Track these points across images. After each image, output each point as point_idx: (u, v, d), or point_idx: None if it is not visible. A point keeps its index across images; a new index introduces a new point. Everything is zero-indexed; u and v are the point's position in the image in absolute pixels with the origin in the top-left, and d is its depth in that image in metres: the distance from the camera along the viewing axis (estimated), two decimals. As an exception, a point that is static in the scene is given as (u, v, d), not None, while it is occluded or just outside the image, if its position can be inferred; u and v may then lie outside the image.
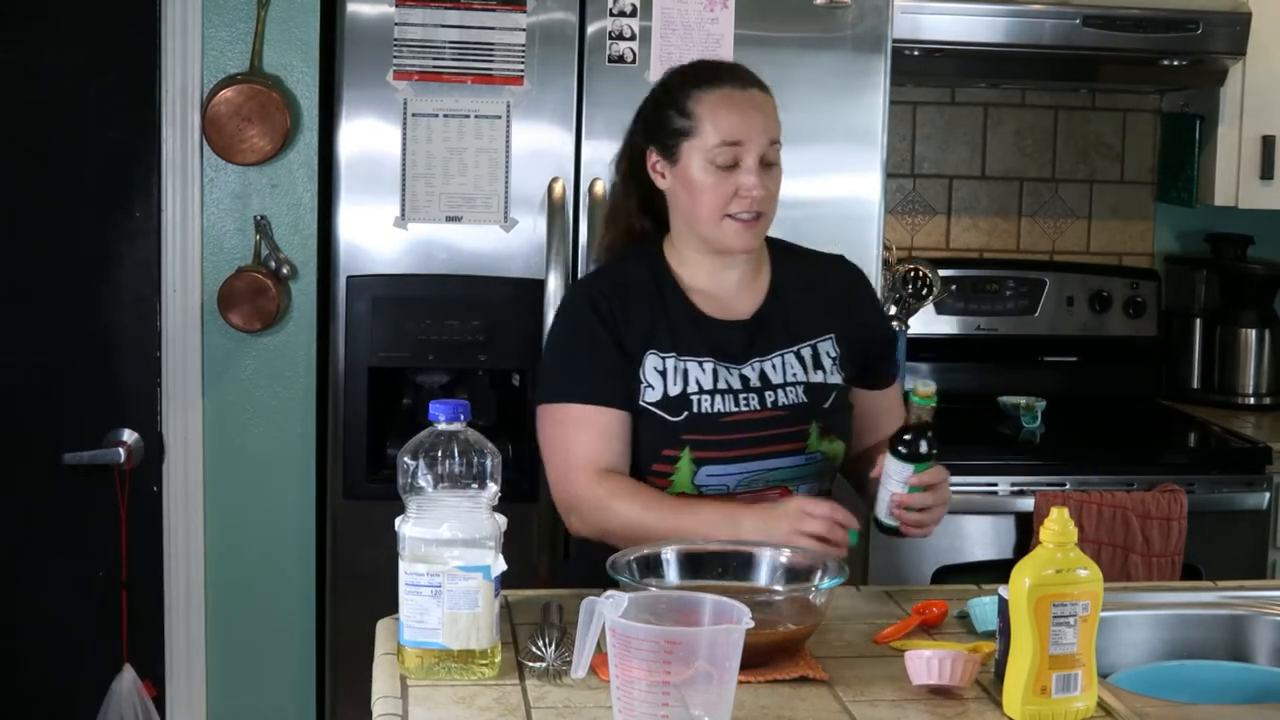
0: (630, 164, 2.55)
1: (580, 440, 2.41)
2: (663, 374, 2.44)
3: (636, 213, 2.56)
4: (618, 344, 2.44)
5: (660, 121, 2.46)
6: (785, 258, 2.57)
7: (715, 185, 2.41)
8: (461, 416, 1.97)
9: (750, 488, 2.42)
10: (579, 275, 3.17)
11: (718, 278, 2.50)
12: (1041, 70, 3.87)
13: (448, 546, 1.94)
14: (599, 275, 2.57)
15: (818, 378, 2.49)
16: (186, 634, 3.34)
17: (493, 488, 1.96)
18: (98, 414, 3.31)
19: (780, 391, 2.46)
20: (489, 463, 1.97)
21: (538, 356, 3.13)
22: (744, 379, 2.45)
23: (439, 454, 1.95)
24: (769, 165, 2.43)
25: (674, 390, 2.43)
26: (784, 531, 2.26)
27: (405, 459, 1.96)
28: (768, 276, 2.54)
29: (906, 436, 2.29)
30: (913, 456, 2.29)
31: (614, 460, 2.41)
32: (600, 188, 3.14)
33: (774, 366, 2.47)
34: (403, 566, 1.95)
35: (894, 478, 2.31)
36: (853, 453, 2.56)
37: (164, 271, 3.27)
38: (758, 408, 2.44)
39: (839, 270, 2.64)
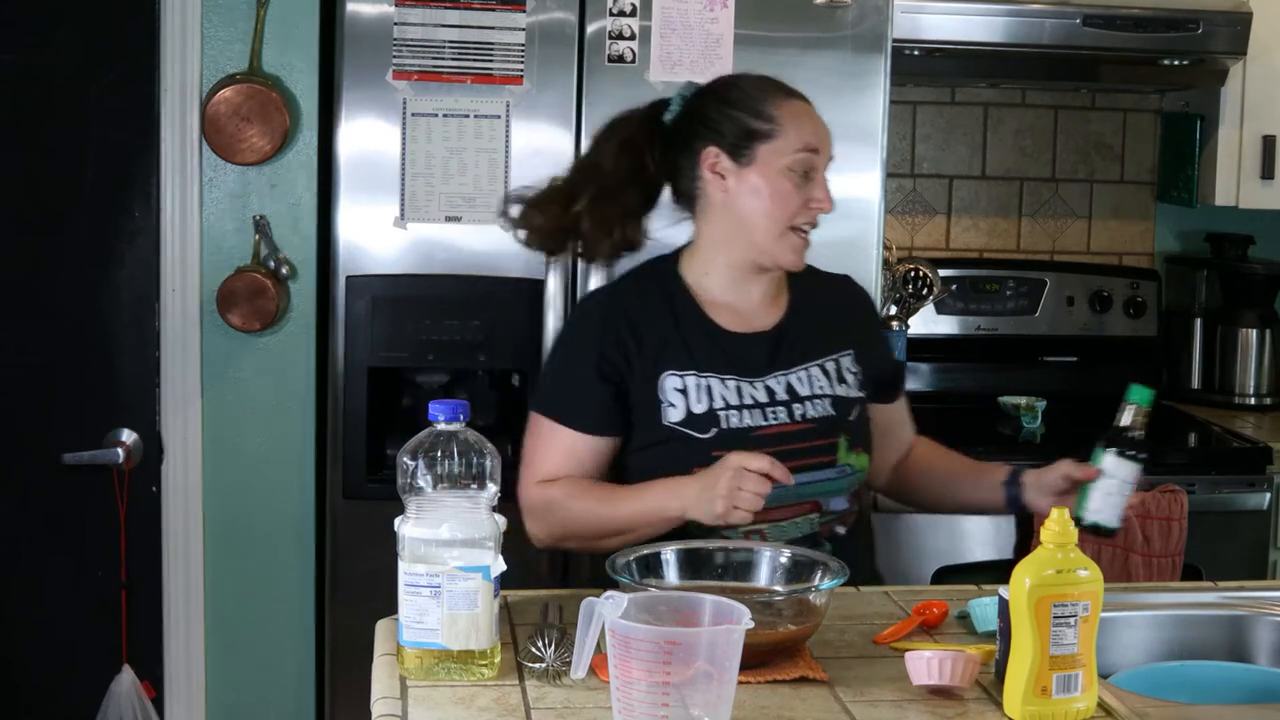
0: (637, 157, 2.51)
1: (545, 454, 2.44)
2: (684, 392, 2.43)
3: (638, 205, 2.52)
4: (618, 371, 2.43)
5: (730, 121, 2.44)
6: (801, 275, 2.55)
7: (790, 193, 2.41)
8: (461, 417, 1.97)
9: (783, 502, 2.39)
10: (578, 275, 3.16)
11: (743, 291, 2.50)
12: (1041, 70, 3.87)
13: (447, 547, 1.93)
14: (613, 293, 2.55)
15: (842, 390, 2.50)
16: (186, 634, 3.34)
17: (492, 488, 1.96)
18: (97, 414, 3.31)
19: (808, 404, 2.46)
20: (488, 463, 1.96)
21: (537, 356, 3.14)
22: (769, 391, 2.45)
23: (438, 454, 1.95)
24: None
25: (699, 408, 2.42)
26: (724, 486, 2.22)
27: (405, 459, 1.96)
28: (787, 292, 2.54)
29: (1133, 436, 2.33)
30: (1139, 456, 2.35)
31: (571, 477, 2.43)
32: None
33: (800, 379, 2.47)
34: (402, 567, 1.95)
35: (1125, 479, 2.35)
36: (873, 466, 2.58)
37: (163, 271, 3.27)
38: (786, 421, 2.44)
39: (850, 289, 2.68)
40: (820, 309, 2.55)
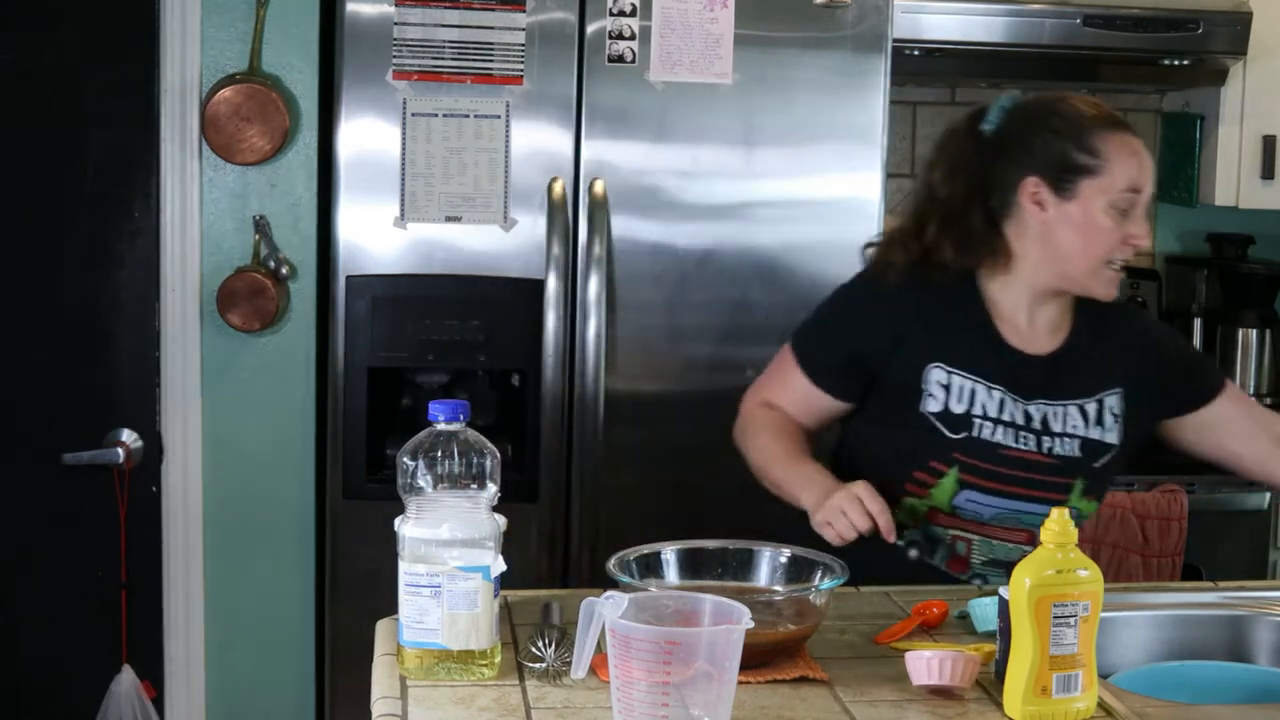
0: (977, 179, 2.49)
1: (775, 380, 2.58)
2: (946, 388, 2.44)
3: (983, 223, 2.48)
4: (878, 350, 2.47)
5: (1055, 152, 2.42)
6: (1088, 303, 2.52)
7: (1111, 230, 2.39)
8: (461, 417, 1.97)
9: (1002, 524, 2.43)
10: (578, 275, 3.16)
11: (1035, 312, 2.49)
12: (1042, 70, 3.86)
13: (447, 547, 1.93)
14: (913, 266, 2.49)
15: (1095, 434, 2.48)
16: (186, 634, 3.34)
17: (492, 488, 1.96)
18: (97, 414, 3.31)
19: (1058, 440, 2.45)
20: (488, 463, 1.96)
21: (538, 356, 3.14)
22: (1027, 416, 2.45)
23: (438, 454, 1.95)
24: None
25: (957, 408, 2.43)
26: (834, 503, 2.30)
27: (404, 459, 1.96)
28: (1070, 320, 2.52)
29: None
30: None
31: (785, 409, 2.55)
32: (600, 187, 3.14)
33: (1055, 414, 2.46)
34: (402, 567, 1.95)
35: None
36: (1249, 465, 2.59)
37: (163, 271, 3.27)
38: (1034, 449, 2.44)
39: (1132, 318, 2.65)
40: (1099, 342, 2.52)
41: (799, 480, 2.42)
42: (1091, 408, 2.48)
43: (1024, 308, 2.48)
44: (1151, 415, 2.55)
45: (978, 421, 2.43)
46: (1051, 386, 2.46)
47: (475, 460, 1.96)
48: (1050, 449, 2.45)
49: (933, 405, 2.44)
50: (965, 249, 2.47)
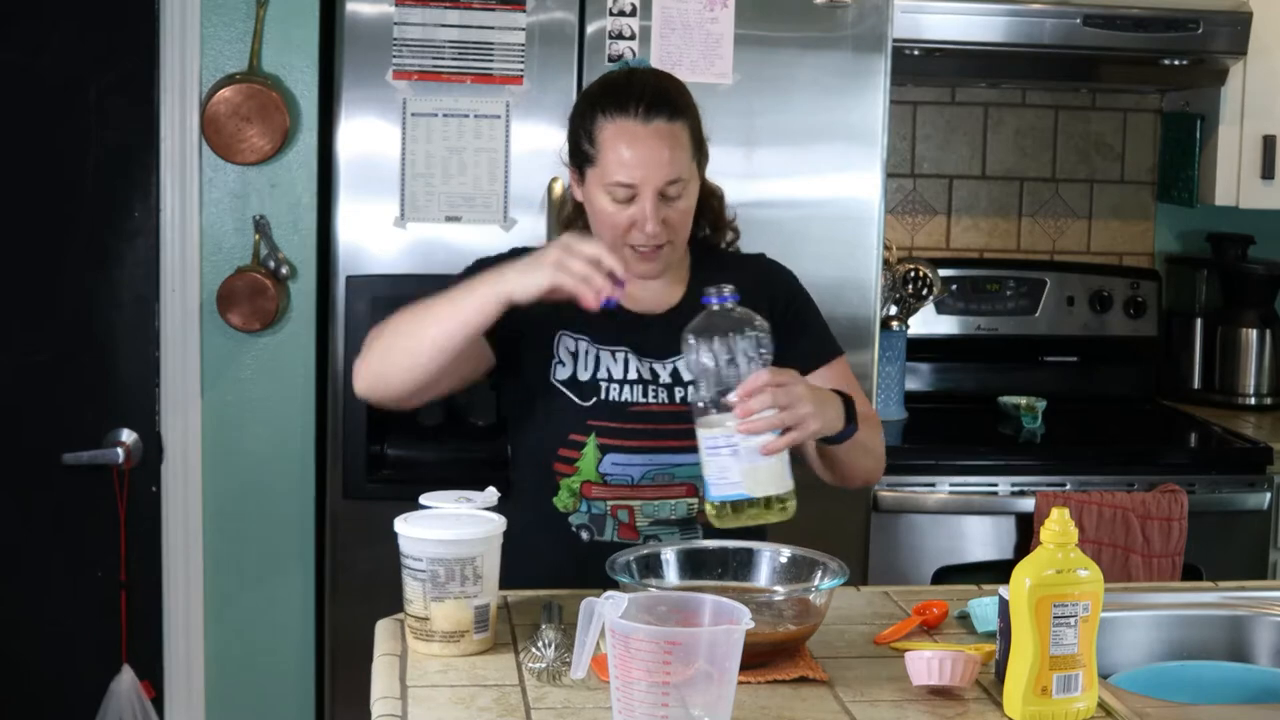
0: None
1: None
2: (574, 355, 2.45)
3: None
4: (515, 307, 2.33)
5: (573, 139, 2.45)
6: (707, 257, 2.54)
7: (614, 215, 2.39)
8: (730, 298, 2.17)
9: (654, 481, 2.41)
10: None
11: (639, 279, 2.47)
12: (1042, 70, 3.88)
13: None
14: (516, 251, 2.49)
15: None
16: (185, 634, 3.34)
17: (765, 355, 2.17)
18: (96, 414, 3.31)
19: (690, 389, 2.42)
20: (760, 332, 2.18)
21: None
22: (654, 373, 2.45)
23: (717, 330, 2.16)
24: (671, 199, 2.39)
25: (584, 375, 2.44)
26: (552, 255, 2.22)
27: (690, 338, 2.17)
28: (687, 275, 2.52)
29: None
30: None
31: None
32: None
33: (683, 366, 2.46)
34: (701, 433, 2.14)
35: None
36: None
37: (163, 271, 3.27)
38: (665, 401, 2.44)
39: (759, 268, 2.60)
40: None
41: (475, 282, 2.30)
42: None
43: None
44: (797, 357, 2.48)
45: (604, 385, 2.43)
46: (673, 343, 2.38)
47: (749, 330, 2.17)
48: (684, 398, 2.42)
49: (562, 373, 2.43)
50: (569, 220, 2.53)
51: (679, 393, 2.44)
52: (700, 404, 2.17)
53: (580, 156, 2.43)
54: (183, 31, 3.22)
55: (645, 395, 2.44)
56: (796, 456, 2.31)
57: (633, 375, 2.45)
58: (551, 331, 2.45)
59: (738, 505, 2.15)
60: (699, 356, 2.17)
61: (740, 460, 2.13)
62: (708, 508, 2.18)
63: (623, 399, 2.43)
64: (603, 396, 2.43)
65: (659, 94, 2.41)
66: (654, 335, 2.46)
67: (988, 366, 4.06)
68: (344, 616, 3.20)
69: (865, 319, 3.27)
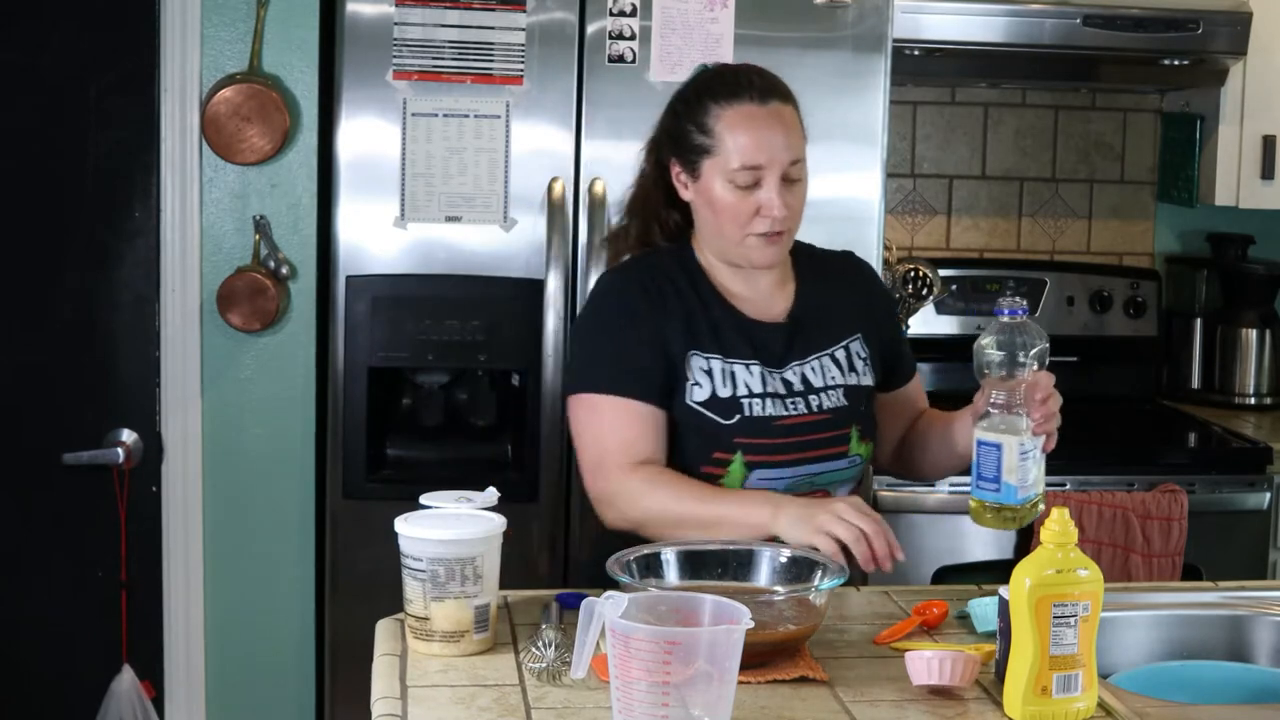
0: (659, 157, 2.50)
1: (616, 431, 2.37)
2: (709, 374, 2.41)
3: (664, 205, 2.52)
4: (659, 333, 2.40)
5: (681, 134, 2.42)
6: (806, 259, 2.55)
7: (736, 204, 2.38)
8: (1021, 312, 2.22)
9: (796, 491, 2.40)
10: (579, 275, 3.16)
11: (750, 282, 2.47)
12: (1042, 70, 3.87)
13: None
14: (636, 265, 2.50)
15: (853, 380, 2.49)
16: (186, 634, 3.34)
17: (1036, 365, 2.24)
18: (97, 414, 3.31)
19: (824, 395, 2.45)
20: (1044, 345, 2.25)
21: (538, 356, 3.14)
22: (787, 383, 2.44)
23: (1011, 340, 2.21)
24: (793, 181, 2.40)
25: (724, 392, 2.41)
26: (819, 522, 2.21)
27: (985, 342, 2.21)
28: (794, 278, 2.53)
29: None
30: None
31: (650, 451, 2.37)
32: (600, 187, 3.14)
33: (813, 370, 2.47)
34: (1006, 439, 2.18)
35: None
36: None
37: (163, 271, 3.27)
38: (805, 411, 2.43)
39: (853, 267, 2.64)
40: (826, 293, 2.53)
41: (756, 502, 2.30)
42: (841, 355, 2.49)
43: (737, 280, 2.47)
44: (882, 363, 2.56)
45: (745, 401, 2.41)
46: (796, 349, 2.45)
47: (1037, 341, 2.23)
48: (820, 405, 2.44)
49: (699, 395, 2.40)
50: (654, 229, 2.51)
51: (814, 401, 2.44)
52: (993, 412, 2.21)
53: (692, 150, 2.40)
54: (183, 31, 3.22)
55: (785, 408, 2.43)
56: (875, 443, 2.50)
57: (770, 389, 2.43)
58: (681, 353, 2.42)
59: (1035, 504, 2.22)
60: (995, 367, 2.21)
61: (1038, 463, 2.22)
62: (1005, 512, 2.19)
63: (766, 414, 2.41)
64: (746, 413, 2.40)
65: (768, 79, 2.45)
66: (779, 343, 2.46)
67: (988, 366, 4.06)
68: (344, 616, 3.20)
69: (865, 319, 3.26)
